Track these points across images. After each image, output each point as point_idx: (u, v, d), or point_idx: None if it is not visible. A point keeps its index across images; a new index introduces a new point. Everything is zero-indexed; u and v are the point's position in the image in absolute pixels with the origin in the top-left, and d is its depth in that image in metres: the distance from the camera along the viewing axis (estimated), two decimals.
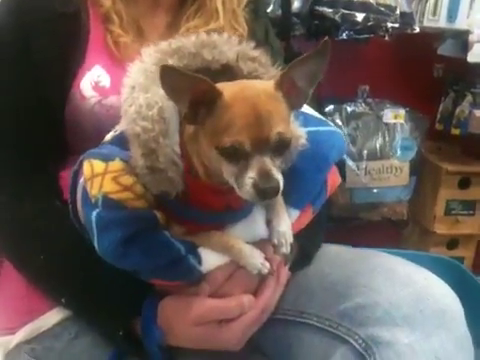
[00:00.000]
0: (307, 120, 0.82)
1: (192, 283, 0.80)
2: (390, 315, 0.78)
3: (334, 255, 0.95)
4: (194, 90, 0.65)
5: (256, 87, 0.69)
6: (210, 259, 0.78)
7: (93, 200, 0.73)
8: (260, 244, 0.80)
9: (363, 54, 2.05)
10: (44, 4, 0.93)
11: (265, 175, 0.65)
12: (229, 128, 0.65)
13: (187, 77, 0.64)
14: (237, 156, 0.66)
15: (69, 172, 0.81)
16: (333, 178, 0.89)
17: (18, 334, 0.90)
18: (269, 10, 1.57)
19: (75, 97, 0.90)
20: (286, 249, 0.80)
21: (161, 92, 0.69)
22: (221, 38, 0.79)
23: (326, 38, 0.67)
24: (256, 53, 0.80)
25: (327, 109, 1.95)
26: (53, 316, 0.89)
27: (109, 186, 0.73)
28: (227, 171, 0.68)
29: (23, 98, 0.91)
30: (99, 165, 0.74)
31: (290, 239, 0.81)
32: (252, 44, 0.81)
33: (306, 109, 0.88)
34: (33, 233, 0.87)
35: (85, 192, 0.75)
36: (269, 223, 0.81)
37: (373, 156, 1.93)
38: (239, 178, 0.66)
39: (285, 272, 0.87)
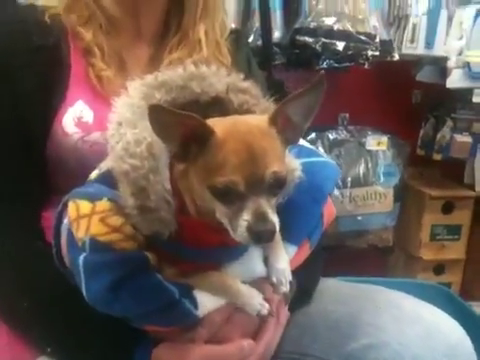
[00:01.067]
0: (300, 151, 0.80)
1: (188, 328, 0.74)
2: (400, 355, 0.76)
3: (334, 291, 0.91)
4: (185, 128, 0.62)
5: (249, 123, 0.66)
6: (207, 302, 0.73)
7: (80, 243, 0.69)
8: (258, 283, 0.76)
9: (343, 82, 2.07)
10: (23, 37, 0.90)
11: (260, 217, 0.62)
12: (222, 167, 0.62)
13: (177, 116, 0.61)
14: (231, 197, 0.63)
15: (52, 212, 0.77)
16: (329, 210, 0.86)
17: None
18: (250, 40, 1.57)
19: (57, 133, 0.87)
20: (286, 287, 0.76)
21: (150, 127, 0.65)
22: (210, 70, 0.77)
23: (322, 72, 0.65)
24: (246, 84, 0.77)
25: (309, 137, 1.95)
26: None
27: (96, 228, 0.69)
28: (220, 212, 0.65)
29: (3, 134, 0.87)
30: (85, 205, 0.70)
31: (289, 277, 0.77)
32: (241, 75, 0.78)
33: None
34: (16, 275, 0.82)
35: (71, 234, 0.70)
36: (266, 260, 0.77)
37: (357, 183, 1.92)
38: (233, 220, 0.63)
39: (285, 312, 0.83)
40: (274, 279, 0.76)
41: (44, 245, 0.81)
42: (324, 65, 1.62)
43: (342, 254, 2.04)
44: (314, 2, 1.53)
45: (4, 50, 0.89)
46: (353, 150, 1.94)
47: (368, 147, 1.91)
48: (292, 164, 0.76)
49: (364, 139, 1.92)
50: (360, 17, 1.55)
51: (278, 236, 0.76)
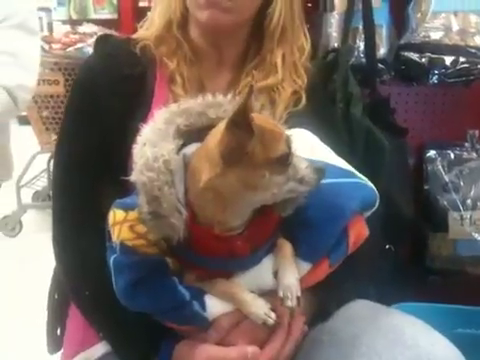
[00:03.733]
0: (329, 172, 0.82)
1: (201, 329, 0.82)
2: None
3: (351, 310, 0.91)
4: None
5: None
6: (215, 306, 0.81)
7: (113, 245, 0.82)
8: (269, 295, 0.80)
9: (470, 97, 1.94)
10: (113, 66, 1.04)
11: (310, 161, 0.76)
12: (275, 138, 0.73)
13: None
14: (289, 159, 0.74)
15: None
16: (359, 230, 0.86)
17: None
18: (353, 58, 1.57)
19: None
20: (291, 303, 0.79)
21: (168, 147, 0.76)
22: (225, 98, 0.84)
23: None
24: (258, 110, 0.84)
25: (428, 154, 1.87)
26: (99, 349, 0.97)
27: (126, 234, 0.81)
28: (283, 180, 0.74)
29: (90, 152, 1.01)
30: (120, 214, 0.83)
31: (297, 292, 0.79)
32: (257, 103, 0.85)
33: (333, 160, 0.87)
34: (84, 267, 0.96)
35: (109, 238, 0.82)
36: (276, 274, 0.80)
37: (478, 205, 1.78)
38: (297, 175, 0.75)
39: (299, 326, 0.85)
40: (281, 293, 0.79)
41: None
42: (434, 80, 1.55)
43: (460, 281, 1.91)
44: (421, 16, 1.48)
45: (95, 80, 1.04)
46: (477, 170, 1.81)
47: None
48: None
49: None
50: (471, 31, 1.46)
51: (289, 250, 0.81)
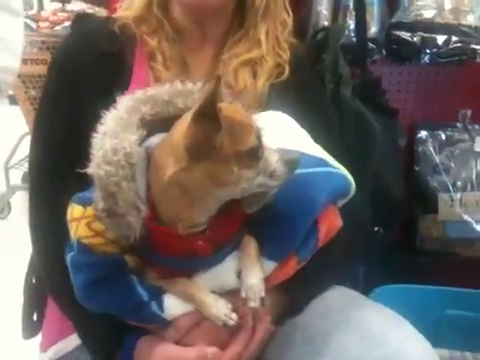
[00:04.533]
0: (303, 161, 0.79)
1: (161, 327, 0.81)
2: None
3: (325, 302, 0.89)
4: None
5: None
6: (173, 306, 0.79)
7: (71, 242, 0.79)
8: (231, 295, 0.78)
9: (462, 77, 1.91)
10: (90, 45, 1.01)
11: (282, 151, 0.73)
12: (244, 131, 0.70)
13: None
14: (259, 152, 0.71)
15: None
16: (331, 222, 0.84)
17: (48, 353, 0.96)
18: (344, 37, 1.53)
19: None
20: (254, 303, 0.77)
21: (131, 138, 0.72)
22: (195, 86, 0.80)
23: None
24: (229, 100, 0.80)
25: (419, 135, 1.85)
26: (75, 339, 0.94)
27: (83, 231, 0.78)
28: (252, 175, 0.71)
29: (67, 134, 0.98)
30: (77, 210, 0.79)
31: (260, 293, 0.77)
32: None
33: (307, 146, 0.85)
34: (57, 252, 0.91)
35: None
36: (240, 274, 0.78)
37: (469, 187, 1.77)
38: (267, 169, 0.71)
39: (264, 326, 0.83)
40: (244, 294, 0.77)
41: None
42: (426, 60, 1.52)
43: (450, 262, 1.89)
44: None
45: (72, 59, 1.01)
46: (467, 151, 1.80)
47: (476, 149, 1.74)
48: None
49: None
50: (464, 9, 1.43)
51: (253, 249, 0.78)
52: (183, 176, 0.70)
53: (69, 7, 3.82)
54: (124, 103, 0.78)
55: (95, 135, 0.76)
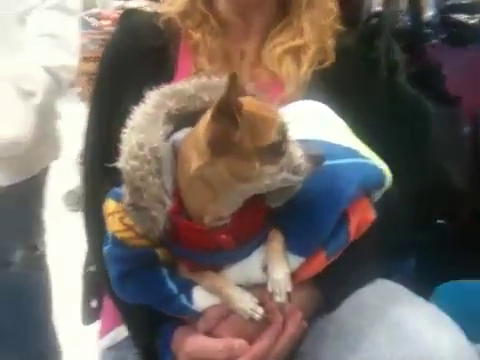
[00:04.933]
0: (328, 153, 0.77)
1: (194, 318, 0.83)
2: None
3: (359, 298, 0.86)
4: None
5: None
6: (202, 299, 0.80)
7: (108, 235, 0.81)
8: (259, 289, 0.78)
9: None
10: (135, 40, 1.04)
11: (307, 147, 0.71)
12: (265, 125, 0.69)
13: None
14: (282, 147, 0.70)
15: None
16: (363, 215, 0.81)
17: (104, 340, 1.00)
18: (398, 23, 1.49)
19: None
20: (280, 298, 0.76)
21: (157, 133, 0.73)
22: (221, 81, 0.79)
23: None
24: (255, 93, 0.80)
25: None
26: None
27: (116, 225, 0.80)
28: (275, 170, 0.71)
29: (114, 130, 1.00)
30: (112, 204, 0.81)
31: (286, 288, 0.77)
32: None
33: (340, 138, 0.83)
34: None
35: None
36: (266, 269, 0.78)
37: None
38: (290, 165, 0.71)
39: (295, 323, 0.81)
40: (270, 288, 0.77)
41: None
42: None
43: None
44: None
45: (117, 55, 1.04)
46: None
47: None
48: None
49: None
50: None
51: (279, 244, 0.77)
52: (206, 170, 0.71)
53: (130, 4, 3.91)
54: (151, 98, 0.80)
55: (124, 130, 0.78)
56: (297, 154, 0.71)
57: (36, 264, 1.60)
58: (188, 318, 0.85)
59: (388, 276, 0.92)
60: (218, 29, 1.04)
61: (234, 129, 0.68)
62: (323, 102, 0.96)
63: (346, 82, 1.01)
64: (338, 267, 0.81)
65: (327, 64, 1.02)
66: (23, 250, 1.56)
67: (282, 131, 0.71)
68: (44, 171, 1.62)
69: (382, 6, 1.46)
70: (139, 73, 0.98)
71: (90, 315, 1.10)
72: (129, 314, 0.93)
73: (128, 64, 1.01)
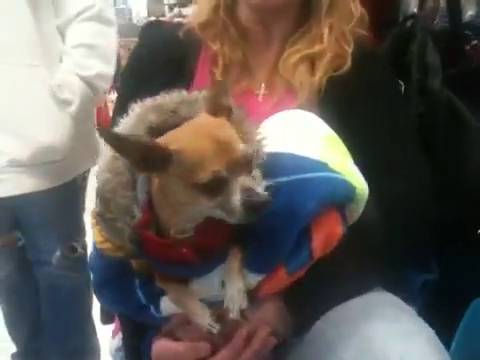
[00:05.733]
0: (295, 167, 0.77)
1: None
2: None
3: (343, 310, 0.83)
4: (140, 150, 0.69)
5: (202, 121, 0.73)
6: (169, 309, 0.82)
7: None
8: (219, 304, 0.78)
9: None
10: (153, 51, 1.05)
11: (250, 191, 0.68)
12: (200, 164, 0.68)
13: (129, 142, 0.69)
14: (216, 187, 0.69)
15: None
16: (330, 229, 0.79)
17: (115, 340, 1.03)
18: (435, 23, 1.43)
19: None
20: (234, 314, 0.76)
21: None
22: (199, 95, 0.80)
23: None
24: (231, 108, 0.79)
25: None
26: None
27: (97, 236, 0.83)
28: (211, 205, 0.70)
29: None
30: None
31: (239, 304, 0.76)
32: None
33: (309, 151, 0.81)
34: None
35: None
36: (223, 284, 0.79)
37: None
38: (226, 206, 0.69)
39: (261, 337, 0.80)
40: (225, 305, 0.77)
41: None
42: None
43: None
44: None
45: (136, 66, 1.07)
46: None
47: None
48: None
49: None
50: None
51: (236, 262, 0.76)
52: (163, 186, 0.73)
53: (184, 11, 3.99)
54: (134, 110, 0.81)
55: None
56: (235, 198, 0.68)
57: (75, 265, 1.66)
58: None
59: (394, 289, 0.88)
60: (238, 39, 1.04)
61: (161, 171, 0.70)
62: (336, 109, 0.94)
63: (361, 88, 0.98)
64: (306, 285, 0.79)
65: (344, 70, 1.00)
66: (62, 251, 1.63)
67: (227, 169, 0.68)
68: (83, 175, 1.69)
69: (417, 7, 1.40)
70: (157, 85, 0.99)
71: (107, 315, 1.13)
72: (121, 317, 0.96)
73: (146, 76, 1.03)
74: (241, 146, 0.70)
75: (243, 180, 0.69)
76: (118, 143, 0.69)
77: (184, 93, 0.82)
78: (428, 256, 1.11)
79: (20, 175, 1.48)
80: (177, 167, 0.69)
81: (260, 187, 0.70)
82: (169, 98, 0.81)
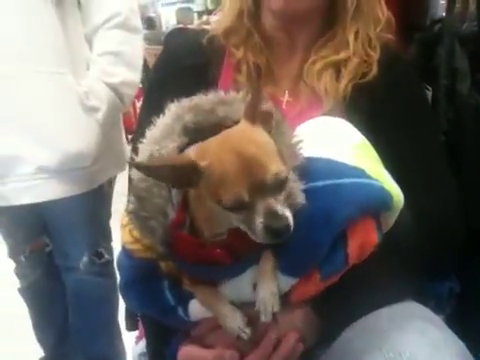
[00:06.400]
0: (332, 172, 0.76)
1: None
2: None
3: (370, 321, 0.80)
4: (171, 172, 0.70)
5: (235, 133, 0.72)
6: (198, 312, 0.81)
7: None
8: (251, 307, 0.77)
9: None
10: (177, 59, 1.06)
11: (273, 216, 0.68)
12: (223, 185, 0.68)
13: (155, 169, 0.71)
14: (241, 207, 0.69)
15: None
16: (364, 237, 0.77)
17: (138, 346, 1.03)
18: (464, 27, 1.40)
19: None
20: (265, 317, 0.76)
21: (170, 145, 0.75)
22: (237, 96, 0.80)
23: None
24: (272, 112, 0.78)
25: None
26: None
27: (126, 237, 0.83)
28: (236, 220, 0.71)
29: None
30: (126, 217, 0.83)
31: (271, 307, 0.76)
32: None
33: (346, 157, 0.80)
34: None
35: None
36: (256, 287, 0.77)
37: None
38: (250, 224, 0.69)
39: (289, 343, 0.79)
40: (256, 307, 0.77)
41: None
42: None
43: None
44: None
45: (159, 74, 1.08)
46: None
47: None
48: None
49: None
50: None
51: (269, 264, 0.75)
52: (198, 194, 0.74)
53: (212, 19, 4.01)
54: (171, 110, 0.81)
55: (142, 141, 0.80)
56: (257, 221, 0.68)
57: (101, 271, 1.69)
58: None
59: (422, 299, 0.86)
60: (262, 46, 1.04)
61: (196, 186, 0.71)
62: (361, 116, 0.93)
63: (387, 94, 0.97)
64: (337, 292, 0.78)
65: (370, 77, 0.98)
66: (89, 257, 1.65)
67: (244, 194, 0.68)
68: (109, 182, 1.70)
69: (445, 11, 1.37)
70: (180, 91, 1.00)
71: (131, 322, 1.14)
72: (146, 321, 0.96)
73: (170, 83, 1.03)
74: (272, 169, 0.69)
75: (268, 204, 0.68)
76: (150, 172, 0.71)
77: (221, 93, 0.82)
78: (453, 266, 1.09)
79: (48, 182, 1.49)
80: (206, 183, 0.70)
81: (286, 210, 0.69)
82: (206, 98, 0.81)
